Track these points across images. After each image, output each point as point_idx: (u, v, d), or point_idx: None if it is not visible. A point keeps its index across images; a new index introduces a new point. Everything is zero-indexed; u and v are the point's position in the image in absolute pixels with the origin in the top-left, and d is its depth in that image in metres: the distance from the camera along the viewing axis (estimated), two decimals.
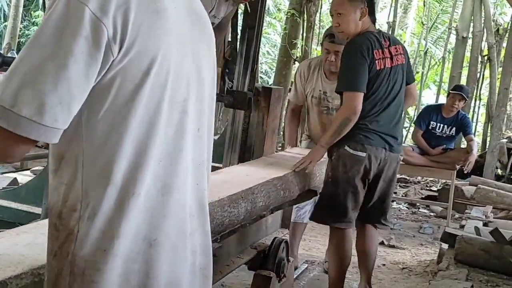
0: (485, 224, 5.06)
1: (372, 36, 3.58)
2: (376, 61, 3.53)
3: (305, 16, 10.52)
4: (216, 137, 4.92)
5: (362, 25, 3.58)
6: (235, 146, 3.95)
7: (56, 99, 1.15)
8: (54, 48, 1.16)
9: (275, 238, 3.79)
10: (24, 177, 3.80)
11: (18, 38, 15.96)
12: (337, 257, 3.77)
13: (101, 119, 1.24)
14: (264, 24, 4.26)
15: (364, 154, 3.60)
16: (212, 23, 4.06)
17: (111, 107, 1.24)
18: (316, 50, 12.29)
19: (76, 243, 1.26)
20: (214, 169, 3.76)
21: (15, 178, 3.88)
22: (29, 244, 1.67)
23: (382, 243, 5.95)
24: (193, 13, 1.42)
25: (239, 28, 4.21)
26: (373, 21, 3.69)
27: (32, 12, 17.81)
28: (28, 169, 4.55)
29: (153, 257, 1.31)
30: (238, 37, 3.97)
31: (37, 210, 2.42)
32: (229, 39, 4.34)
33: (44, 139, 1.18)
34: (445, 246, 4.64)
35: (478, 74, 12.64)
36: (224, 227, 2.48)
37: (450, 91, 7.33)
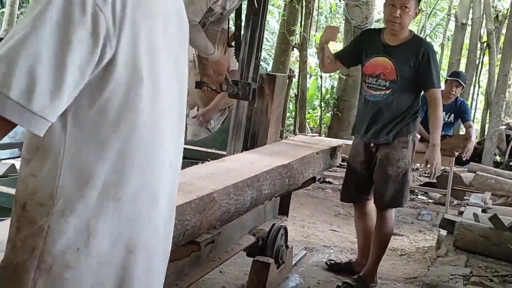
0: (484, 211, 5.10)
1: None
2: None
3: (304, 2, 10.50)
4: (220, 124, 4.95)
5: (410, 24, 4.06)
6: (239, 134, 3.97)
7: (46, 87, 1.11)
8: (52, 33, 1.12)
9: (274, 224, 3.83)
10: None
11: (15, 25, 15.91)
12: None
13: (90, 117, 1.20)
14: None
15: None
16: (220, 14, 4.08)
17: (103, 107, 1.20)
18: (314, 37, 12.27)
19: (46, 239, 1.22)
20: (218, 156, 3.81)
21: (13, 165, 3.87)
22: None
23: None
24: (178, 14, 1.41)
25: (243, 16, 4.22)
26: None
27: None
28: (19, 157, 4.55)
29: (130, 264, 1.30)
30: (243, 24, 3.97)
31: None
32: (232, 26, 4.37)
33: (28, 126, 1.12)
34: (443, 232, 4.68)
35: (477, 61, 12.63)
36: (230, 215, 2.51)
37: (447, 78, 7.36)
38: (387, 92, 3.99)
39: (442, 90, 7.21)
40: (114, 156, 1.23)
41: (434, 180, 3.85)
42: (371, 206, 4.25)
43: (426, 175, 9.52)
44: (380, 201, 4.08)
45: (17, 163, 3.71)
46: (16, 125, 1.14)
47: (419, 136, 7.17)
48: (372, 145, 4.10)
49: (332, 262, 4.57)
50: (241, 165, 3.08)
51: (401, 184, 4.04)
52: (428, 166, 4.07)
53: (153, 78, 1.26)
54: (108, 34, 1.16)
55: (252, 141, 4.04)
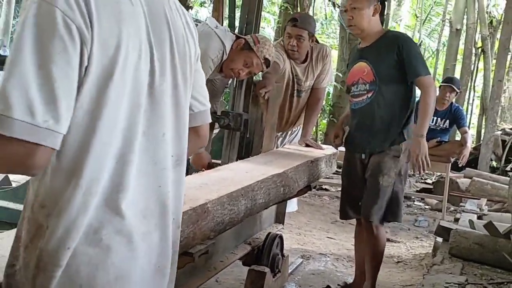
0: (479, 217, 5.11)
1: None
2: None
3: (299, 9, 10.52)
4: (216, 131, 4.93)
5: (374, 22, 3.73)
6: (234, 142, 3.96)
7: (41, 100, 1.17)
8: (34, 52, 1.18)
9: (269, 233, 3.82)
10: (16, 176, 3.76)
11: (11, 35, 15.89)
12: None
13: (72, 119, 1.24)
14: None
15: None
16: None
17: (82, 107, 1.25)
18: None
19: (44, 238, 1.28)
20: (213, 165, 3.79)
21: (7, 176, 3.85)
22: None
23: None
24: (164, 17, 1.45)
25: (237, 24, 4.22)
26: (382, 21, 3.81)
27: None
28: None
29: (102, 257, 1.34)
30: (236, 32, 3.98)
31: None
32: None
33: (43, 142, 1.18)
34: (440, 239, 4.68)
35: (472, 66, 12.69)
36: (224, 225, 2.49)
37: (441, 84, 7.39)
38: (369, 95, 3.73)
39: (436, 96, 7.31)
40: (94, 155, 1.28)
41: (417, 173, 3.59)
42: None
43: (423, 180, 9.54)
44: (370, 214, 3.73)
45: (11, 175, 3.70)
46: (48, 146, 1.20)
47: None
48: (363, 156, 3.83)
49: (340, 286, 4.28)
50: (235, 175, 3.06)
51: (394, 195, 3.74)
52: (413, 160, 3.68)
53: (124, 79, 1.31)
54: (83, 38, 1.23)
55: (246, 150, 4.03)
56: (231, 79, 4.02)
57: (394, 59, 3.65)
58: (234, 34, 3.82)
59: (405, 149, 3.75)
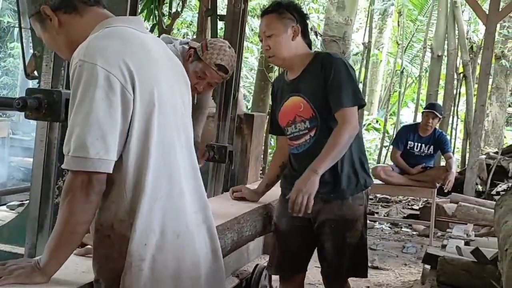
0: (466, 243, 5.10)
1: None
2: None
3: None
4: (201, 165, 4.90)
5: (296, 47, 3.10)
6: (219, 175, 3.95)
7: (92, 137, 1.59)
8: (84, 102, 1.61)
9: (257, 265, 3.79)
10: (0, 213, 3.73)
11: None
12: None
13: (131, 147, 1.67)
14: None
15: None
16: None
17: (136, 135, 1.68)
18: None
19: (129, 244, 1.66)
20: None
21: None
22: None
23: None
24: (170, 60, 1.93)
25: None
26: (308, 44, 3.19)
27: (8, 44, 17.71)
28: (4, 204, 4.49)
29: (180, 246, 1.76)
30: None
31: (20, 250, 2.39)
32: None
33: (98, 169, 1.62)
34: (428, 266, 4.67)
35: (455, 91, 12.79)
36: None
37: (424, 110, 7.46)
38: (312, 133, 3.06)
39: (419, 123, 7.36)
40: (152, 168, 1.70)
41: (300, 214, 2.51)
42: (303, 281, 3.35)
43: (409, 206, 9.56)
44: (338, 274, 3.16)
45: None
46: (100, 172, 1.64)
47: (397, 169, 7.25)
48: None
49: None
50: (221, 207, 3.06)
51: (362, 248, 3.16)
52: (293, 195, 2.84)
53: (160, 105, 1.75)
54: (123, 85, 1.67)
55: (232, 182, 4.02)
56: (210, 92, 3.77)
57: (324, 85, 2.99)
58: (188, 44, 3.51)
59: (365, 196, 3.17)
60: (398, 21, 16.59)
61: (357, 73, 14.49)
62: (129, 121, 1.66)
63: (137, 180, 1.68)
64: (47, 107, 2.15)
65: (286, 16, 3.07)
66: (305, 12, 3.23)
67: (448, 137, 9.51)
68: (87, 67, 1.61)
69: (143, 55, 1.75)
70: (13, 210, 3.78)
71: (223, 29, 4.17)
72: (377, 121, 18.93)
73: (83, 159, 1.59)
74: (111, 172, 1.64)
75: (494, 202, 4.88)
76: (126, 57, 1.67)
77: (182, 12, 8.08)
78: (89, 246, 2.00)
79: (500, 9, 9.02)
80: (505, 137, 17.06)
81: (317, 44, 11.05)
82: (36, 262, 1.69)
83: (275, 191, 3.55)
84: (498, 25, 10.57)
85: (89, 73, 1.61)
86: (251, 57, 15.76)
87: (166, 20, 7.42)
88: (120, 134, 1.65)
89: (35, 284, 1.65)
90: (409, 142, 7.21)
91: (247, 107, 12.86)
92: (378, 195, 10.13)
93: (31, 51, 2.82)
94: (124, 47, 1.70)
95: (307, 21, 3.18)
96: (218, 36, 4.76)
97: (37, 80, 2.62)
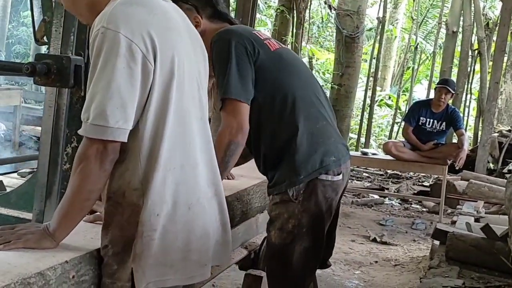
0: (476, 220, 5.08)
1: None
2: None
3: (295, 12, 10.52)
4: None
5: (210, 32, 2.42)
6: None
7: (113, 106, 1.58)
8: (106, 70, 1.59)
9: (266, 237, 3.79)
10: (10, 180, 3.73)
11: (6, 39, 15.86)
12: None
13: (149, 116, 1.65)
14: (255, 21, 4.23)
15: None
16: None
17: (154, 105, 1.66)
18: (305, 48, 12.28)
19: (141, 214, 1.65)
20: None
21: (1, 181, 3.83)
22: (18, 252, 1.62)
23: (374, 240, 5.97)
24: (189, 30, 1.89)
25: None
26: (229, 21, 2.54)
27: (21, 12, 17.69)
28: (15, 172, 4.51)
29: (191, 218, 1.76)
30: None
31: (28, 215, 2.38)
32: None
33: (116, 138, 1.60)
34: (437, 242, 4.65)
35: (469, 69, 12.64)
36: None
37: (436, 85, 7.38)
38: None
39: (432, 99, 7.29)
40: (167, 138, 1.68)
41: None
42: None
43: (420, 183, 9.53)
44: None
45: (5, 179, 3.67)
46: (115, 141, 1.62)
47: (408, 145, 7.21)
48: None
49: None
50: (230, 180, 3.04)
51: (288, 256, 2.52)
52: None
53: (179, 75, 1.73)
54: (144, 55, 1.64)
55: (243, 154, 3.99)
56: None
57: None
58: None
59: (302, 194, 2.40)
60: None
61: (370, 48, 14.37)
62: (148, 91, 1.65)
63: (152, 149, 1.67)
64: (56, 72, 2.11)
65: (183, 7, 2.27)
66: None
67: (461, 114, 9.43)
68: (109, 34, 1.59)
69: (165, 24, 1.73)
70: (24, 177, 3.78)
71: (235, 1, 4.13)
72: (389, 97, 18.81)
73: (102, 128, 1.58)
74: (126, 141, 1.63)
75: (505, 180, 4.85)
76: (150, 26, 1.66)
77: None
78: (98, 213, 2.00)
79: None
80: None
81: (331, 19, 10.94)
82: (46, 228, 1.68)
83: None
84: None
85: (112, 41, 1.59)
86: (264, 30, 15.67)
87: None
88: (138, 104, 1.63)
89: (44, 249, 1.64)
90: (421, 118, 7.16)
91: None
92: (388, 171, 10.10)
93: (42, 17, 2.79)
94: (148, 16, 1.68)
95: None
96: (230, 7, 4.73)
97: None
